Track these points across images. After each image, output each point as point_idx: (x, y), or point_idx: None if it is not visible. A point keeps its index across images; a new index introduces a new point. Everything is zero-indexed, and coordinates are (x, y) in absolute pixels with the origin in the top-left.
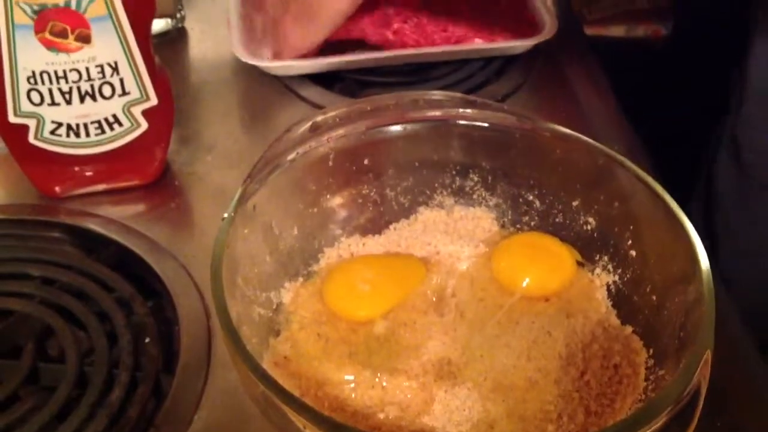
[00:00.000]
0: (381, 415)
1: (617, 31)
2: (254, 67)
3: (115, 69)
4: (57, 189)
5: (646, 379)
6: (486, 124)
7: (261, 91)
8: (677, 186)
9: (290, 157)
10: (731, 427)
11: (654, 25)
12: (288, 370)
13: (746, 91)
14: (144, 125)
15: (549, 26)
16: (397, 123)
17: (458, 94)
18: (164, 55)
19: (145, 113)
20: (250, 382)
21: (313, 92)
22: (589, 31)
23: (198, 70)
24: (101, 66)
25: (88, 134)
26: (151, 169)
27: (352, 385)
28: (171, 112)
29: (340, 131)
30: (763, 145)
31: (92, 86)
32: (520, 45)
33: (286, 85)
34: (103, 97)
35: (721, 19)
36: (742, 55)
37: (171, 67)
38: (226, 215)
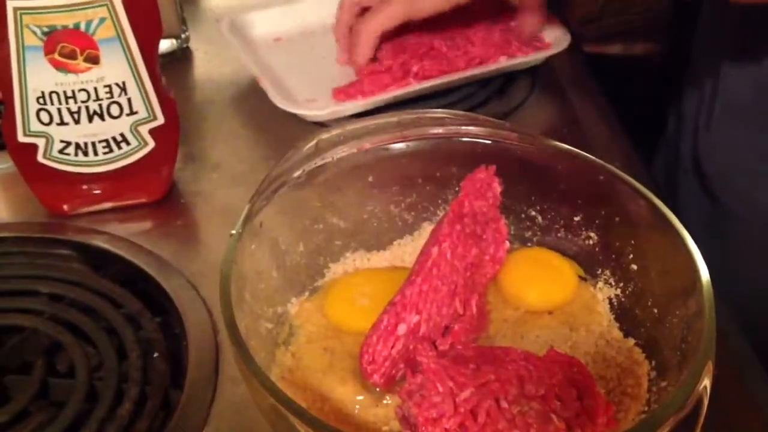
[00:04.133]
0: (385, 429)
1: (615, 49)
2: (257, 87)
3: (123, 89)
4: (65, 207)
5: (649, 391)
6: (488, 141)
7: (265, 110)
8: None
9: (296, 174)
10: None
11: (651, 43)
12: (294, 383)
13: (711, 118)
14: (151, 144)
15: (562, 38)
16: (400, 140)
17: (460, 112)
18: (169, 75)
19: (152, 132)
20: (259, 396)
21: None
22: (587, 48)
23: (203, 89)
24: (109, 86)
25: (96, 153)
26: (157, 187)
27: (357, 405)
28: (177, 130)
29: (345, 149)
30: (728, 174)
31: (100, 106)
32: (540, 56)
33: None
34: (111, 117)
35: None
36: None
37: (176, 86)
38: (234, 232)
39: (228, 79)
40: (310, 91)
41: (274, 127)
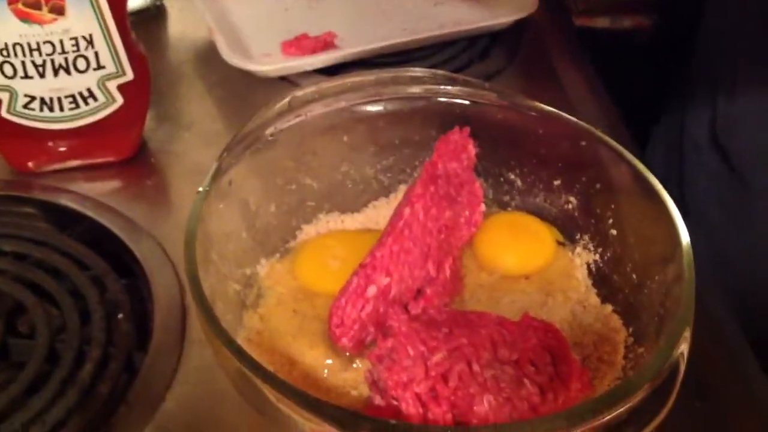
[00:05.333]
0: (354, 393)
1: (603, 22)
2: None
3: (90, 42)
4: (30, 164)
5: (625, 358)
6: (467, 102)
7: (240, 69)
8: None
9: (268, 132)
10: (712, 409)
11: (640, 17)
12: (261, 346)
13: (734, 93)
14: (119, 100)
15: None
16: (377, 100)
17: (440, 71)
18: (142, 32)
19: (121, 88)
20: (224, 358)
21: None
22: (577, 22)
23: (176, 48)
24: (75, 39)
25: (62, 108)
26: (126, 146)
27: (326, 369)
28: (147, 87)
29: (320, 108)
30: (754, 149)
31: (66, 59)
32: (503, 21)
33: None
34: (78, 71)
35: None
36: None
37: (149, 45)
38: (200, 189)
39: (203, 38)
40: (266, 45)
41: (250, 86)
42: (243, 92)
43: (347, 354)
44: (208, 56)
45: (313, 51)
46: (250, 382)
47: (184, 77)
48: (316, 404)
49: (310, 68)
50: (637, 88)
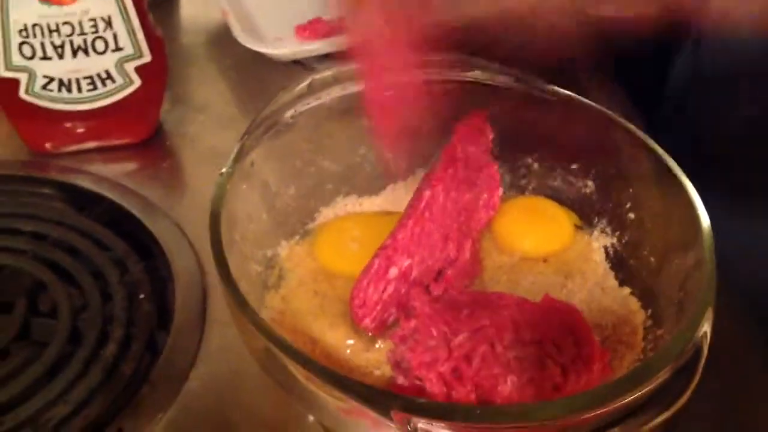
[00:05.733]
0: (377, 373)
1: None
2: None
3: (109, 23)
4: (48, 145)
5: (645, 339)
6: (485, 85)
7: (253, 52)
8: None
9: (287, 115)
10: (732, 389)
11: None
12: (283, 326)
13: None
14: (137, 82)
15: None
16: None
17: (463, 56)
18: (156, 14)
19: (138, 70)
20: (250, 337)
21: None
22: None
23: (190, 30)
24: (94, 20)
25: (80, 90)
26: (143, 128)
27: (348, 349)
28: (164, 69)
29: (338, 91)
30: None
31: (85, 41)
32: None
33: None
34: (96, 52)
35: None
36: None
37: (163, 26)
38: (224, 170)
39: (216, 20)
40: (279, 29)
41: (263, 69)
42: (256, 76)
43: (369, 334)
44: (222, 39)
45: (327, 35)
46: (276, 361)
47: (197, 60)
48: (346, 382)
49: (323, 52)
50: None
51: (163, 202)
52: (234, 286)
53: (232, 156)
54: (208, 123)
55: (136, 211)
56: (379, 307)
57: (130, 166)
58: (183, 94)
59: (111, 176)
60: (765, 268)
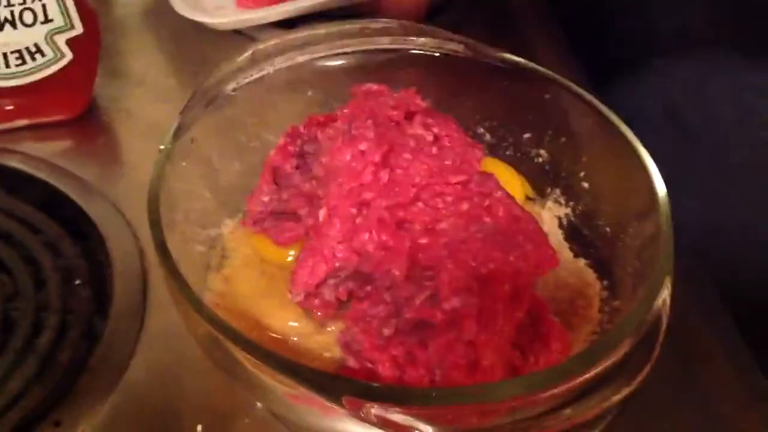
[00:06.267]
0: (327, 355)
1: None
2: None
3: None
4: None
5: (601, 311)
6: (436, 54)
7: (192, 22)
8: None
9: (230, 87)
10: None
11: None
12: (228, 310)
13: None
14: (69, 56)
15: None
16: (343, 53)
17: (407, 22)
18: None
19: (70, 43)
20: (193, 323)
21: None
22: None
23: (124, 1)
24: None
25: (7, 65)
26: (77, 103)
27: (297, 332)
28: (97, 42)
29: (283, 61)
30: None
31: (12, 12)
32: None
33: None
34: (24, 25)
35: None
36: None
37: None
38: (162, 147)
39: None
40: None
41: (203, 40)
42: (196, 46)
43: (318, 314)
44: (158, 9)
45: (270, 3)
46: (221, 347)
47: (133, 31)
48: (294, 368)
49: (266, 21)
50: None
51: (99, 182)
52: (175, 270)
53: (171, 132)
54: (145, 97)
55: (70, 192)
56: (323, 288)
57: (64, 144)
58: (118, 67)
59: (43, 155)
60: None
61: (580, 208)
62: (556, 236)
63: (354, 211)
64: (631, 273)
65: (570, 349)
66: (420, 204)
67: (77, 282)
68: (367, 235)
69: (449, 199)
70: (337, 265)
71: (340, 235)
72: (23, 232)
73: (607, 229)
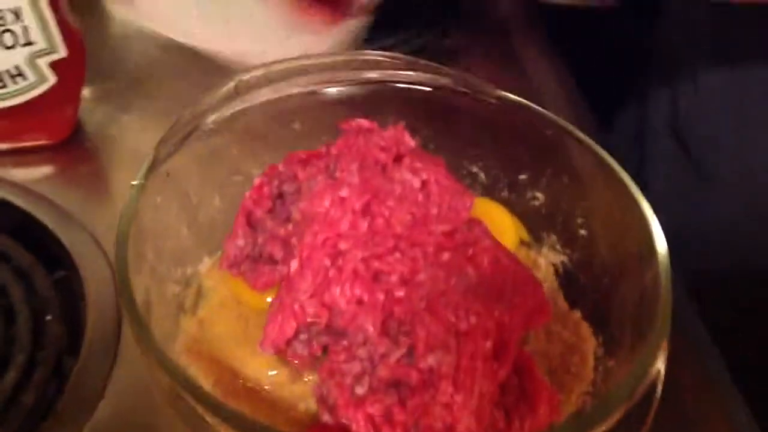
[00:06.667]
0: (302, 406)
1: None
2: None
3: (18, 15)
4: None
5: (595, 370)
6: (428, 88)
7: (186, 49)
8: None
9: (211, 119)
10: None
11: None
12: (201, 355)
13: (696, 94)
14: (51, 79)
15: None
16: (331, 84)
17: (398, 55)
18: (77, 5)
19: (53, 66)
20: (156, 373)
21: None
22: None
23: (118, 24)
24: (1, 11)
25: None
26: (60, 128)
27: (272, 380)
28: (82, 66)
29: (268, 92)
30: (713, 138)
31: None
32: None
33: None
34: (4, 47)
35: None
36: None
37: (87, 19)
38: (135, 182)
39: None
40: None
41: (196, 69)
42: (188, 76)
43: (295, 363)
44: (152, 35)
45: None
46: (181, 399)
47: (124, 56)
48: (252, 427)
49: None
50: (602, 68)
51: (78, 211)
52: (137, 315)
53: (145, 166)
54: (132, 124)
55: (47, 221)
56: (297, 338)
57: (45, 170)
58: (106, 92)
59: (22, 181)
60: None
61: (576, 255)
62: (551, 284)
63: (328, 262)
64: (629, 330)
65: (559, 411)
66: (397, 254)
67: (48, 317)
68: (338, 290)
69: (429, 249)
70: (308, 320)
71: (311, 288)
72: None
73: (605, 280)
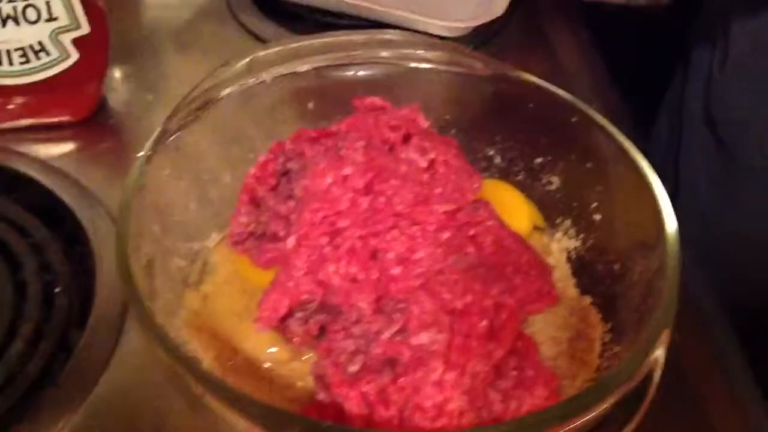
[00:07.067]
0: (300, 384)
1: None
2: (209, 2)
3: None
4: None
5: (601, 356)
6: (445, 69)
7: (215, 28)
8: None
9: (224, 93)
10: (692, 410)
11: None
12: (203, 328)
13: (725, 67)
14: (74, 56)
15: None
16: (347, 64)
17: (417, 35)
18: None
19: (76, 42)
20: (154, 345)
21: (269, 31)
22: None
23: (149, 4)
24: None
25: (11, 62)
26: (83, 105)
27: (272, 357)
28: (106, 42)
29: (283, 70)
30: (743, 125)
31: (15, 8)
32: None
33: (242, 23)
34: (28, 22)
35: None
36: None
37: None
38: (141, 154)
39: None
40: None
41: (225, 47)
42: (213, 54)
43: (295, 341)
44: (183, 15)
45: None
46: (176, 371)
47: (154, 36)
48: (243, 402)
49: None
50: (647, 65)
51: (98, 188)
52: (135, 290)
53: (153, 138)
54: (156, 102)
55: (66, 197)
56: (293, 316)
57: (67, 146)
58: (133, 70)
59: (44, 157)
60: None
61: (590, 241)
62: (563, 270)
63: (325, 240)
64: (635, 317)
65: (558, 395)
66: (396, 232)
67: (57, 289)
68: (332, 267)
69: (429, 228)
70: (303, 297)
71: (305, 266)
72: (11, 234)
73: (616, 266)
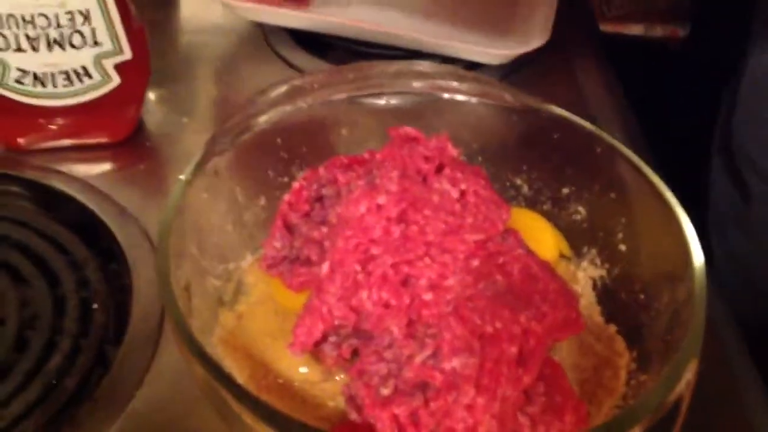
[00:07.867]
0: (332, 404)
1: (635, 29)
2: (246, 30)
3: (87, 17)
4: (20, 141)
5: (627, 385)
6: (474, 100)
7: (250, 55)
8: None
9: (262, 119)
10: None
11: (672, 26)
12: (237, 347)
13: (739, 95)
14: (116, 80)
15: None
16: (380, 93)
17: (448, 66)
18: (150, 10)
19: (118, 67)
20: (190, 361)
21: (303, 60)
22: (607, 28)
23: (187, 30)
24: (71, 13)
25: (55, 85)
26: (122, 127)
27: (304, 378)
28: (146, 68)
29: (319, 98)
30: (754, 153)
31: (61, 34)
32: (503, 53)
33: (276, 51)
34: (73, 47)
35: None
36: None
37: (161, 25)
38: (182, 177)
39: (214, 22)
40: None
41: (257, 74)
42: (249, 80)
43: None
44: (217, 40)
45: (280, 3)
46: (213, 389)
47: (190, 60)
48: (279, 421)
49: (272, 21)
50: (666, 97)
51: (135, 207)
52: (175, 307)
53: (194, 162)
54: (193, 125)
55: (104, 216)
56: (327, 341)
57: (106, 167)
58: (169, 94)
59: (84, 177)
60: None
61: (616, 270)
62: (588, 298)
63: (358, 267)
64: (662, 347)
65: (586, 421)
66: (427, 260)
67: (95, 306)
68: (365, 293)
69: (460, 256)
70: (336, 323)
71: (339, 292)
72: (51, 252)
73: (642, 296)
